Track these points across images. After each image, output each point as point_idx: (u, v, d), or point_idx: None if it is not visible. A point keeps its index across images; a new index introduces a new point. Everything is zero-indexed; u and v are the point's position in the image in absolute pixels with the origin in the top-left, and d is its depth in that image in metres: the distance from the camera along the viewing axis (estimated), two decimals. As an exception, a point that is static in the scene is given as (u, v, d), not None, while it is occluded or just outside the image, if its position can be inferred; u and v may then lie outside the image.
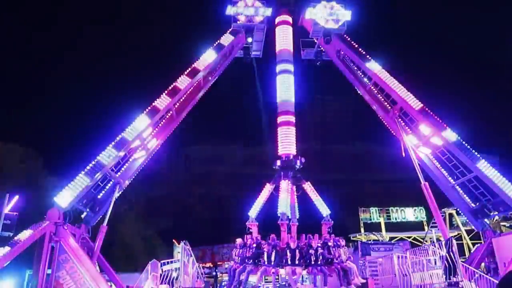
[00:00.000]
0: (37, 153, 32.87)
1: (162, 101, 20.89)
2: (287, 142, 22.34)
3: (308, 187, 21.55)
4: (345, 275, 17.24)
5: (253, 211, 20.27)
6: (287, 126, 22.69)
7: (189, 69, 22.43)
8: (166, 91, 21.31)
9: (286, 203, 19.46)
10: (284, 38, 24.59)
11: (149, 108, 20.49)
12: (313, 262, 16.98)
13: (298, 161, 21.69)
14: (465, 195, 20.60)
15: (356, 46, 24.04)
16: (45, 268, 16.09)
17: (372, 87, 23.42)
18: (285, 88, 23.49)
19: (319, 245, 17.60)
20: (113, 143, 19.07)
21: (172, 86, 21.59)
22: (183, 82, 21.79)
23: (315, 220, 21.12)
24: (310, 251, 17.13)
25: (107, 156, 18.66)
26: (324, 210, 20.78)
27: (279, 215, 19.18)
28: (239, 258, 17.49)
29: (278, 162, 21.87)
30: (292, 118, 23.09)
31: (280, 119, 23.14)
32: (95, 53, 61.61)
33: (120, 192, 20.13)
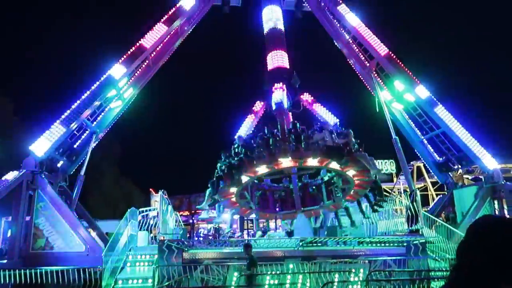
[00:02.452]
0: (6, 99, 31.64)
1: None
2: (277, 56, 20.36)
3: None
4: None
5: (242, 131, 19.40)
6: (277, 49, 20.64)
7: (166, 16, 21.75)
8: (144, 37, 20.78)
9: (280, 94, 17.93)
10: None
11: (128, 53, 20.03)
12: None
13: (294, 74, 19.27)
14: (432, 149, 21.77)
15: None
16: (24, 215, 16.27)
17: (351, 41, 23.45)
18: (270, 15, 21.76)
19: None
20: (88, 92, 18.72)
21: (149, 33, 21.00)
22: (159, 30, 21.21)
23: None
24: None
25: (83, 105, 18.37)
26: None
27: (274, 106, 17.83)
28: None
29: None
30: (282, 44, 21.02)
31: (269, 46, 21.07)
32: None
33: (97, 142, 20.08)
